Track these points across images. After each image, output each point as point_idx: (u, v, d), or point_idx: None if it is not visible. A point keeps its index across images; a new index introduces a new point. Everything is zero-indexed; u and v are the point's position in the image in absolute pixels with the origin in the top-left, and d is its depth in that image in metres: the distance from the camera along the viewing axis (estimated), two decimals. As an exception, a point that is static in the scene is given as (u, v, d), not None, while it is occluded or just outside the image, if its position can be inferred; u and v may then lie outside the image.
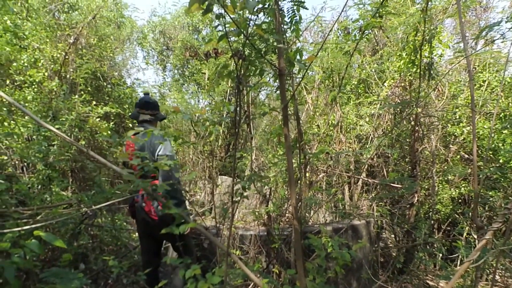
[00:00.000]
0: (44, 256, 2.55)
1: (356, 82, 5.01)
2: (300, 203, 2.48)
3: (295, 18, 1.77)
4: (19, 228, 1.57)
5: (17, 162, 3.23)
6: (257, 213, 3.26)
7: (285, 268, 2.79)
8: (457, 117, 3.56)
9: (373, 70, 4.72)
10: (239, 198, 1.71)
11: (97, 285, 2.66)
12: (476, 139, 2.78)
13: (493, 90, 3.74)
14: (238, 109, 1.70)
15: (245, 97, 4.67)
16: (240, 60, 1.55)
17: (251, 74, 1.74)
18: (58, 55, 4.12)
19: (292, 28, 1.82)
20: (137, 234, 3.80)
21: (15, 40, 3.75)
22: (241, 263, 1.73)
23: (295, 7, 1.72)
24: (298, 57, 1.66)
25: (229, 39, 1.42)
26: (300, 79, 1.70)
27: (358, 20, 3.64)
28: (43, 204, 2.70)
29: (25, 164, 3.20)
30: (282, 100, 1.57)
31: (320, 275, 1.81)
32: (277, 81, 1.64)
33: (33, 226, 1.62)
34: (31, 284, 1.95)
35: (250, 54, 1.65)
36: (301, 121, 4.05)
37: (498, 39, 3.23)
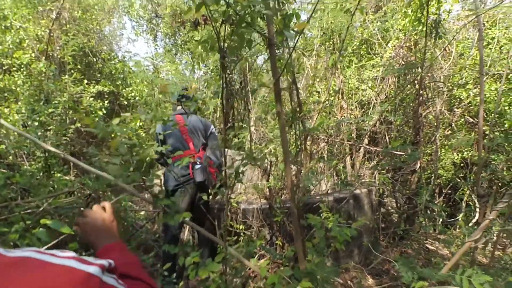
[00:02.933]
0: (58, 242, 2.61)
1: (358, 43, 4.73)
2: (299, 179, 2.46)
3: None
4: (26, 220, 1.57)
5: (16, 150, 3.21)
6: (258, 187, 3.27)
7: (288, 240, 2.87)
8: (463, 79, 3.38)
9: (376, 29, 4.42)
10: (233, 182, 1.67)
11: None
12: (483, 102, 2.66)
13: (502, 48, 3.49)
14: (224, 87, 1.53)
15: (239, 67, 4.45)
16: (222, 32, 1.37)
17: (237, 45, 1.54)
18: (43, 33, 3.91)
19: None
20: (142, 213, 3.90)
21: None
22: (238, 254, 1.72)
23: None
24: (291, 21, 1.45)
25: (208, 8, 1.23)
26: (292, 48, 1.52)
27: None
28: (46, 190, 2.72)
29: (24, 152, 3.18)
30: (274, 74, 1.43)
31: (320, 253, 1.83)
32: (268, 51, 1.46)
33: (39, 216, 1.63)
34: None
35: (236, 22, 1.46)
36: (300, 90, 3.85)
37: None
